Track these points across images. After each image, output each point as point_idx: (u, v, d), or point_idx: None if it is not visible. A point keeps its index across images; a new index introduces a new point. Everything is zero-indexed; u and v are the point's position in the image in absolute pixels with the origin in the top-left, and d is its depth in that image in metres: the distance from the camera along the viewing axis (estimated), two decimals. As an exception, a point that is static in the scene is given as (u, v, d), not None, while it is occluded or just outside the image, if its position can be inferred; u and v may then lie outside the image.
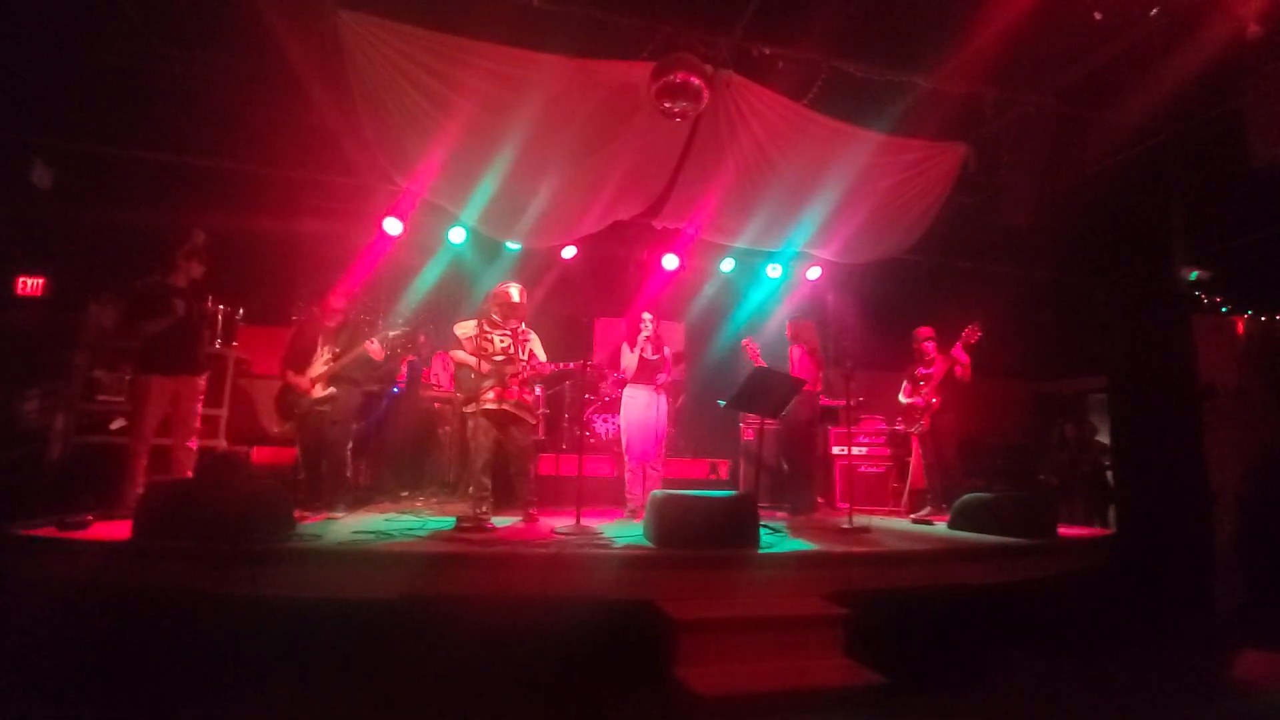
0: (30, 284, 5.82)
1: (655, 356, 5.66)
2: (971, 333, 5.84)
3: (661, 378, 5.62)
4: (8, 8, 4.70)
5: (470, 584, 3.42)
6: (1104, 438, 7.51)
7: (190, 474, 4.60)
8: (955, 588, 3.90)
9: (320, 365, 5.14)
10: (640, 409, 5.60)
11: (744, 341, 6.21)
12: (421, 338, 6.86)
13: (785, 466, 6.49)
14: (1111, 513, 6.53)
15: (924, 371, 6.07)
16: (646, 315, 5.74)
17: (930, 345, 6.09)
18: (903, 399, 6.24)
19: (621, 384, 5.81)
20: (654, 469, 5.63)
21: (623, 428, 5.72)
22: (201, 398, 4.89)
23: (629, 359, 5.63)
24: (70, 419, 5.59)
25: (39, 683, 2.97)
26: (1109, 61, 5.35)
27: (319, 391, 5.08)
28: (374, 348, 5.08)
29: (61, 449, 5.52)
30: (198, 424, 4.87)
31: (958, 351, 5.85)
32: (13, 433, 5.37)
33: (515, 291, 5.04)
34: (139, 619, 3.05)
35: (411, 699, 2.97)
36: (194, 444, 4.80)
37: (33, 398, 5.56)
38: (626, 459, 5.69)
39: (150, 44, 5.12)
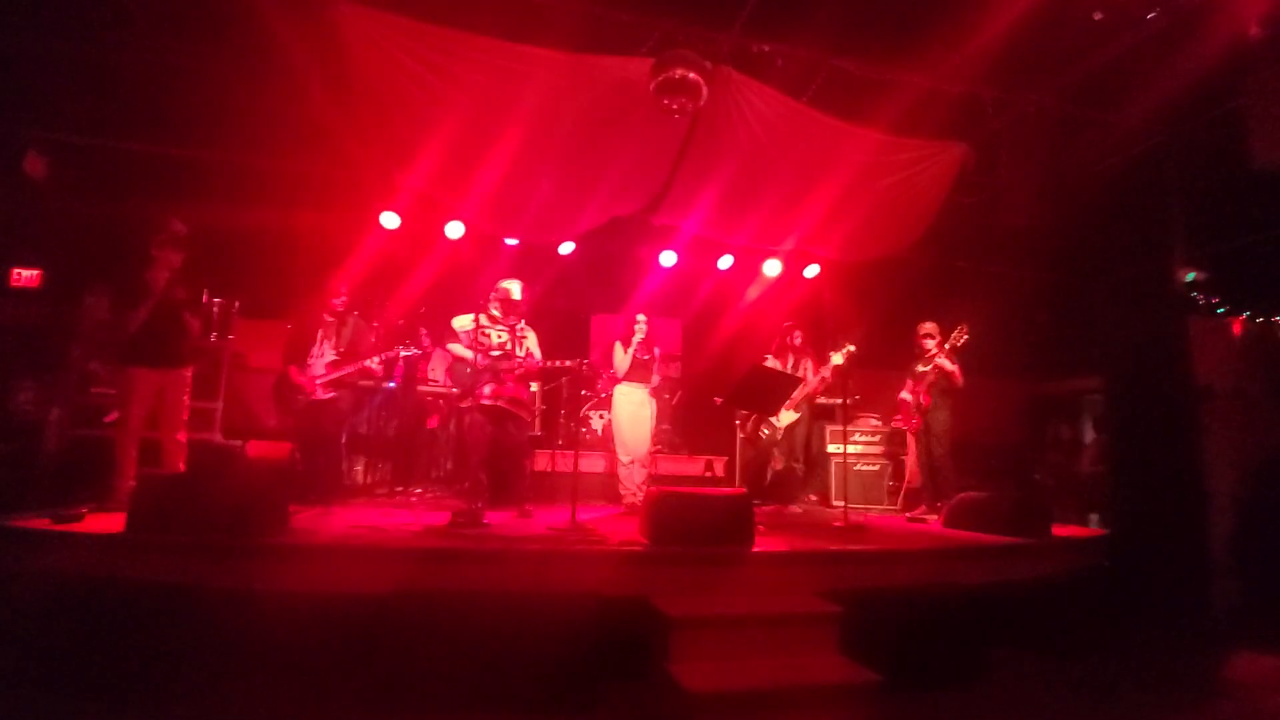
0: (25, 276, 5.80)
1: (646, 357, 5.69)
2: (958, 335, 5.77)
3: (655, 380, 5.67)
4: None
5: (465, 579, 3.40)
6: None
7: (180, 467, 4.55)
8: (950, 586, 3.89)
9: (321, 365, 5.16)
10: (633, 407, 5.63)
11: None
12: (423, 332, 6.84)
13: (792, 465, 6.50)
14: (1105, 512, 6.53)
15: (922, 369, 6.03)
16: (641, 317, 5.75)
17: (929, 341, 6.05)
18: (902, 395, 6.22)
19: (613, 381, 5.82)
20: (643, 466, 5.65)
21: (615, 425, 5.74)
22: (189, 390, 4.74)
23: (622, 358, 5.64)
24: (65, 411, 5.58)
25: (33, 675, 2.96)
26: (1109, 62, 5.34)
27: (321, 395, 5.12)
28: (374, 366, 5.17)
29: (57, 441, 5.51)
30: (185, 416, 4.73)
31: (946, 357, 5.76)
32: (8, 425, 5.36)
33: (516, 289, 5.03)
34: (133, 612, 3.04)
35: (405, 694, 2.97)
36: (182, 436, 4.69)
37: (28, 390, 5.55)
38: (620, 456, 5.71)
39: (147, 36, 5.09)
